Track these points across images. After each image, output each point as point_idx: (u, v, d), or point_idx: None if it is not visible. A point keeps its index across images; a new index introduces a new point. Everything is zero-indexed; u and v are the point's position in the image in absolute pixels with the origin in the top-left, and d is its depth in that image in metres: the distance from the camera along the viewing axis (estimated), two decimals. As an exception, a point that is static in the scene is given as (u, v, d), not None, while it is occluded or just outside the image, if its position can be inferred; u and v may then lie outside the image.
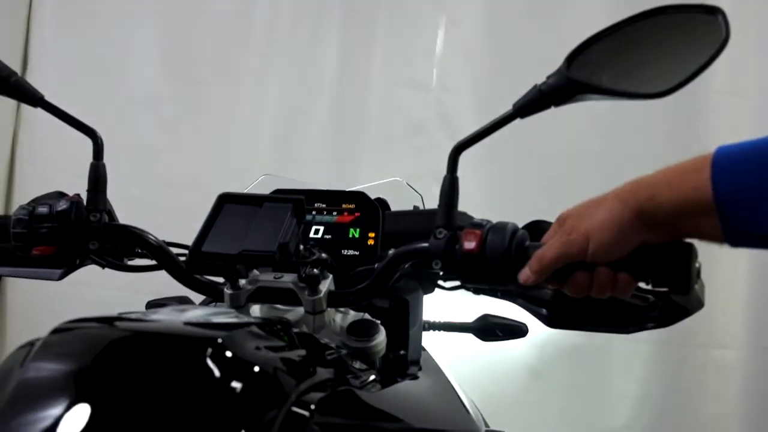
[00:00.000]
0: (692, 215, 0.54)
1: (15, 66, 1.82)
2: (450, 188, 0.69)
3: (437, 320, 1.01)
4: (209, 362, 0.44)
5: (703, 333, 1.70)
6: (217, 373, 0.44)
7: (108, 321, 0.49)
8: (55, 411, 0.42)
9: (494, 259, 0.64)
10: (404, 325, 0.86)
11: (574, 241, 0.59)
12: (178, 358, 0.45)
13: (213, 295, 0.79)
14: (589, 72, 0.60)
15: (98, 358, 0.45)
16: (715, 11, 0.56)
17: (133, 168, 1.82)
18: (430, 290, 0.97)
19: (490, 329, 1.01)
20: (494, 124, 0.68)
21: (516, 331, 1.01)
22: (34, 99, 0.76)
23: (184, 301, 0.93)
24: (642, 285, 0.64)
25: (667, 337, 1.72)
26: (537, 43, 1.75)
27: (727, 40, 0.55)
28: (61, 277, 0.83)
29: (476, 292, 0.75)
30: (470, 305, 1.08)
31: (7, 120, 1.85)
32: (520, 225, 0.68)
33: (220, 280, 0.80)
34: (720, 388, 1.72)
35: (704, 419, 1.73)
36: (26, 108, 1.89)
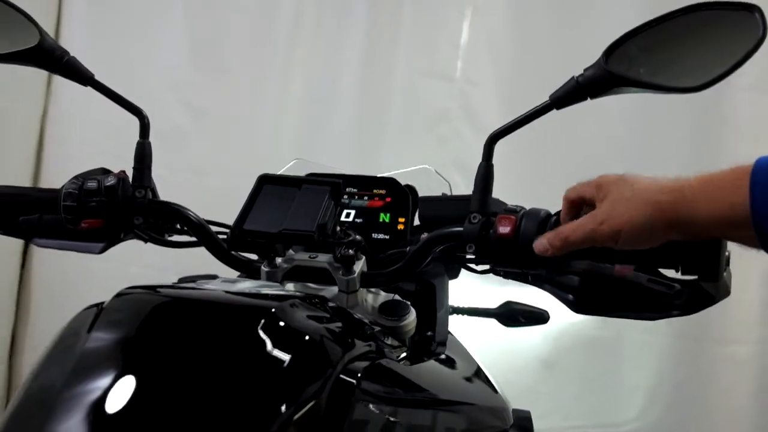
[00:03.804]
0: (729, 229, 0.55)
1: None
2: (485, 175, 0.72)
3: (461, 305, 1.04)
4: (263, 330, 0.47)
5: (717, 327, 1.71)
6: (270, 340, 0.47)
7: (167, 288, 0.52)
8: (121, 379, 0.44)
9: (527, 244, 0.66)
10: (432, 307, 0.89)
11: (605, 233, 0.60)
12: (235, 326, 0.48)
13: (249, 273, 0.82)
14: (627, 65, 0.62)
15: (161, 324, 0.48)
16: (752, 8, 0.58)
17: (159, 150, 1.84)
18: (455, 275, 1.00)
19: (512, 315, 1.04)
20: (530, 114, 0.70)
21: (538, 317, 1.03)
22: (85, 78, 0.79)
23: (213, 278, 0.96)
24: (667, 272, 0.66)
25: (681, 330, 1.74)
26: (562, 36, 1.76)
27: (764, 37, 0.57)
28: (102, 251, 0.86)
29: (506, 276, 0.77)
30: (492, 294, 1.11)
31: (37, 106, 1.88)
32: (552, 212, 0.70)
33: (254, 257, 0.83)
34: (732, 382, 1.73)
35: (716, 413, 1.74)
36: (56, 92, 1.95)
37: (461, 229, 0.71)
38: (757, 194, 0.51)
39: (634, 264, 0.71)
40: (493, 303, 1.06)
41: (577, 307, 0.78)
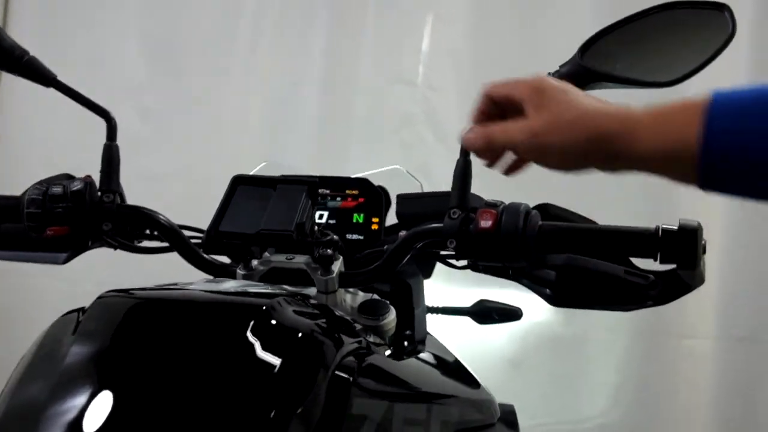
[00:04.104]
0: (671, 164, 0.51)
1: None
2: (463, 170, 0.72)
3: (435, 305, 1.04)
4: (256, 328, 0.46)
5: (676, 322, 1.76)
6: (264, 338, 0.45)
7: (150, 291, 0.50)
8: (110, 390, 0.42)
9: (509, 238, 0.66)
10: (408, 307, 0.89)
11: (534, 148, 0.56)
12: (226, 325, 0.46)
13: (224, 277, 0.80)
14: (602, 61, 0.64)
15: (147, 329, 0.47)
16: (722, 7, 0.60)
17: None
18: (428, 275, 1.00)
19: (486, 313, 1.05)
20: None
21: (511, 314, 1.05)
22: (47, 79, 0.76)
23: None
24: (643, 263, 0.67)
25: (642, 326, 1.78)
26: (522, 42, 1.79)
27: (733, 35, 0.59)
28: (65, 261, 0.83)
29: (485, 271, 0.77)
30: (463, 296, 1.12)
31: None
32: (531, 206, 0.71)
33: (227, 261, 0.81)
34: (692, 376, 1.78)
35: (678, 407, 1.79)
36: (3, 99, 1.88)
37: (441, 224, 0.71)
38: (714, 129, 0.48)
39: (612, 255, 0.72)
40: (467, 302, 1.06)
41: (555, 300, 0.79)
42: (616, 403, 1.82)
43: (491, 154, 0.60)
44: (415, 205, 0.82)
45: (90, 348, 0.45)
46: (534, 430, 1.82)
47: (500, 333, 1.85)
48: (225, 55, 1.89)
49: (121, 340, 0.46)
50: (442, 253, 0.79)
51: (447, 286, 1.13)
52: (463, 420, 0.69)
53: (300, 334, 0.48)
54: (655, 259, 0.64)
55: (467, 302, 1.07)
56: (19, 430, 0.41)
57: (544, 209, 0.74)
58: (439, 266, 0.92)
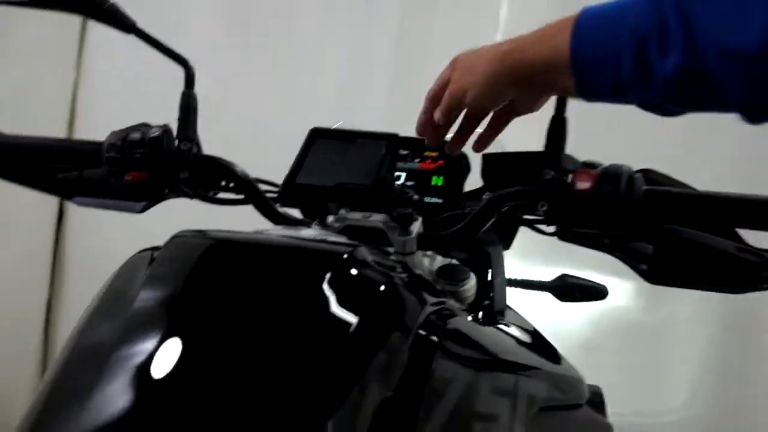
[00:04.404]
0: (552, 72, 0.56)
1: (75, 22, 1.83)
2: (558, 128, 0.67)
3: (513, 277, 0.99)
4: (335, 277, 0.42)
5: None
6: (344, 288, 0.42)
7: (226, 233, 0.47)
8: (180, 336, 0.40)
9: (609, 202, 0.60)
10: (486, 277, 0.84)
11: (453, 92, 0.65)
12: (304, 272, 0.43)
13: None
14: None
15: (222, 273, 0.44)
16: None
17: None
18: (507, 246, 0.95)
19: (568, 289, 0.98)
20: None
21: (596, 293, 0.98)
22: (127, 26, 0.75)
23: None
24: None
25: (728, 316, 1.66)
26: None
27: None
28: (142, 210, 0.82)
29: (574, 240, 0.71)
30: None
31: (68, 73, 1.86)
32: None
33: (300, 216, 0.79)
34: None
35: (763, 408, 1.67)
36: (87, 63, 1.92)
37: (532, 186, 0.66)
38: (576, 42, 0.53)
39: (720, 228, 0.65)
40: (547, 276, 1.00)
41: (651, 277, 0.72)
42: (697, 398, 1.72)
43: (445, 118, 0.68)
44: (503, 165, 0.76)
45: (161, 290, 0.43)
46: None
47: (573, 314, 1.77)
48: (297, 29, 1.86)
49: (194, 283, 0.43)
50: (529, 217, 0.74)
51: (520, 263, 1.07)
52: (550, 396, 0.64)
53: (382, 287, 0.44)
54: None
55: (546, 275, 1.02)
56: (85, 371, 0.39)
57: (645, 173, 0.68)
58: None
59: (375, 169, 0.69)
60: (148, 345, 0.40)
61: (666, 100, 0.51)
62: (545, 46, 0.56)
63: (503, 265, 0.89)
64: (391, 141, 0.72)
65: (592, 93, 0.55)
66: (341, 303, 0.41)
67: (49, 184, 0.83)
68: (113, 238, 1.82)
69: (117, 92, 1.86)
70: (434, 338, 0.45)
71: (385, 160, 0.70)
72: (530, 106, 0.66)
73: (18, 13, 1.64)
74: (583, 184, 0.61)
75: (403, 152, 0.91)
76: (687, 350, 1.73)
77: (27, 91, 1.68)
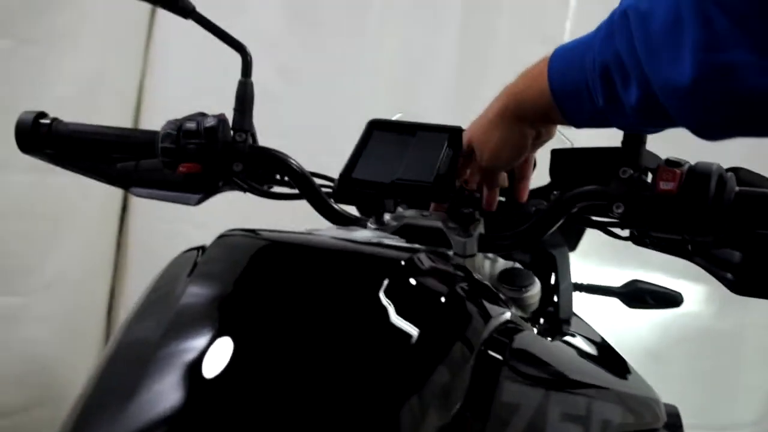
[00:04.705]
0: (545, 112, 0.61)
1: (143, 12, 1.86)
2: None
3: (580, 282, 0.93)
4: (393, 285, 0.38)
5: None
6: (402, 298, 0.38)
7: (275, 233, 0.44)
8: (226, 335, 0.38)
9: (696, 205, 0.54)
10: (555, 281, 0.79)
11: (469, 152, 0.68)
12: (358, 278, 0.39)
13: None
14: None
15: (271, 274, 0.41)
16: None
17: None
18: (573, 247, 0.89)
19: (639, 296, 0.92)
20: None
21: (670, 300, 0.91)
22: (186, 11, 0.74)
23: None
24: None
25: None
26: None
27: None
28: (198, 202, 0.81)
29: (652, 245, 0.65)
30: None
31: (138, 54, 1.88)
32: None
33: (356, 213, 0.76)
34: None
35: None
36: (155, 52, 1.95)
37: (606, 186, 0.60)
38: (553, 81, 0.58)
39: None
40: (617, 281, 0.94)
41: (737, 287, 0.65)
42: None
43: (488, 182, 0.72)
44: (574, 162, 0.71)
45: (208, 288, 0.41)
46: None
47: (640, 320, 1.69)
48: (360, 16, 1.83)
49: (242, 283, 0.40)
50: (601, 219, 0.68)
51: (583, 262, 1.02)
52: (625, 421, 0.59)
53: (443, 298, 0.40)
54: None
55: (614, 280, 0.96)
56: (130, 369, 0.38)
57: (735, 173, 0.61)
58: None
59: (435, 164, 0.65)
60: (193, 344, 0.38)
61: (641, 125, 0.55)
62: (532, 90, 0.61)
63: (569, 269, 0.83)
64: (453, 134, 0.68)
65: (579, 123, 0.60)
66: (398, 314, 0.37)
67: (107, 173, 0.83)
68: (176, 227, 1.85)
69: (183, 83, 1.88)
70: (499, 357, 0.40)
71: (447, 156, 0.66)
72: (544, 139, 0.69)
73: (89, 5, 1.68)
74: (667, 184, 0.55)
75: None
76: (762, 359, 1.62)
77: (96, 81, 1.72)
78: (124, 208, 1.92)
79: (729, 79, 0.43)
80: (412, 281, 0.39)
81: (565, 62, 0.58)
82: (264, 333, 0.38)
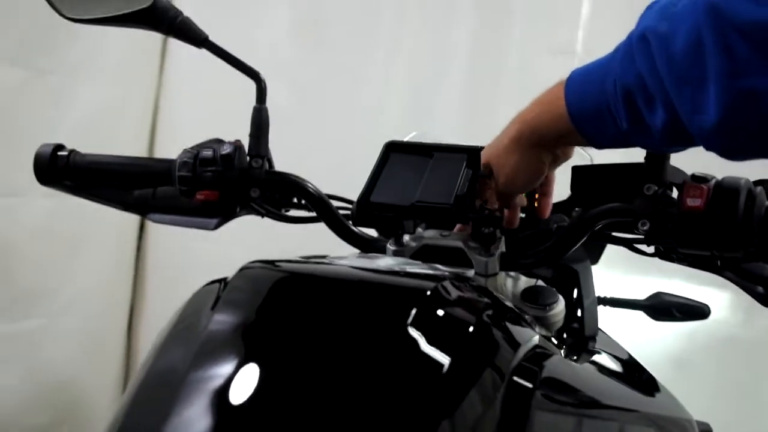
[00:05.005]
0: (564, 136, 0.61)
1: (156, 40, 1.87)
2: None
3: (604, 295, 0.92)
4: (419, 316, 0.38)
5: None
6: (429, 328, 0.37)
7: (297, 264, 0.44)
8: (251, 365, 0.38)
9: (725, 221, 0.53)
10: (578, 296, 0.77)
11: (486, 174, 0.67)
12: (383, 309, 0.39)
13: (372, 252, 0.74)
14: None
15: (294, 304, 0.41)
16: None
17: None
18: (595, 260, 0.88)
19: (665, 308, 0.90)
20: None
21: (696, 312, 0.90)
22: (198, 39, 0.74)
23: None
24: None
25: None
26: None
27: None
28: (216, 227, 0.81)
29: (679, 261, 0.64)
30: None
31: (152, 83, 1.91)
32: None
33: (374, 233, 0.75)
34: None
35: None
36: (168, 80, 1.97)
37: (631, 203, 0.59)
38: (571, 102, 0.58)
39: None
40: (642, 294, 0.93)
41: None
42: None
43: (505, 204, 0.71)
44: (595, 178, 0.70)
45: (232, 318, 0.41)
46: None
47: (665, 328, 1.66)
48: (370, 31, 1.83)
49: (265, 315, 0.40)
50: (625, 236, 0.67)
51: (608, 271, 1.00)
52: None
53: (471, 328, 0.39)
54: None
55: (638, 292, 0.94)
56: (159, 396, 0.38)
57: (764, 186, 0.59)
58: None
59: (455, 185, 0.64)
60: (220, 372, 0.39)
61: (666, 145, 0.55)
62: (548, 115, 0.61)
63: (593, 284, 0.82)
64: (472, 154, 0.67)
65: (601, 145, 0.60)
66: (426, 346, 0.37)
67: (125, 201, 0.83)
68: (192, 244, 1.86)
69: (197, 106, 1.89)
70: (530, 385, 0.39)
71: (466, 176, 0.65)
72: (562, 160, 0.69)
73: (103, 36, 1.70)
74: (695, 201, 0.54)
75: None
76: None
77: (112, 108, 1.74)
78: (142, 227, 1.94)
79: (754, 105, 0.43)
80: (439, 312, 0.39)
81: (584, 86, 0.58)
82: (289, 364, 0.38)
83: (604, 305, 0.92)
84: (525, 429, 0.38)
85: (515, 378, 0.39)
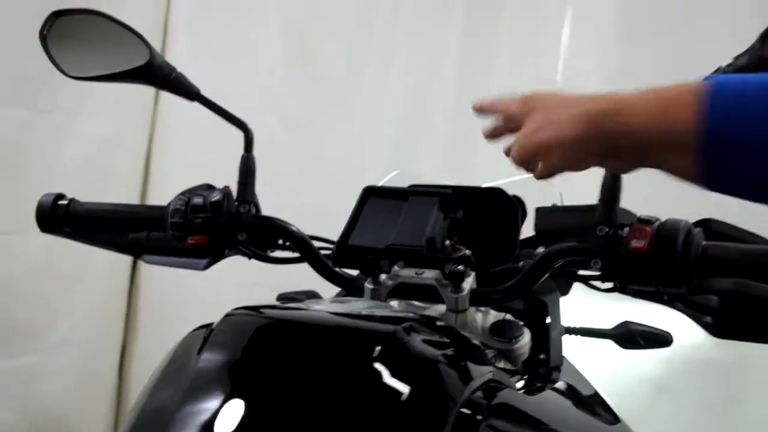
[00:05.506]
0: (666, 150, 0.48)
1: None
2: (612, 182, 0.65)
3: (573, 326, 0.97)
4: (382, 356, 0.43)
5: None
6: (389, 367, 0.43)
7: (277, 310, 0.49)
8: (235, 403, 0.43)
9: (666, 261, 0.59)
10: (542, 327, 0.83)
11: (530, 149, 0.55)
12: (350, 350, 0.44)
13: (351, 290, 0.79)
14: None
15: (271, 347, 0.46)
16: None
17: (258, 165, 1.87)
18: (565, 292, 0.93)
19: (631, 337, 0.95)
20: None
21: (660, 340, 0.94)
22: (191, 94, 0.80)
23: (313, 295, 0.94)
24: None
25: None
26: (672, 36, 1.64)
27: None
28: (205, 267, 0.86)
29: (634, 294, 0.70)
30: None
31: (146, 120, 1.97)
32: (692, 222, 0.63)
33: (354, 272, 0.80)
34: None
35: None
36: (162, 116, 2.03)
37: (585, 243, 0.65)
38: (714, 120, 0.44)
39: None
40: (609, 324, 0.98)
41: (717, 330, 0.70)
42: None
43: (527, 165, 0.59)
44: (556, 219, 0.76)
45: (217, 363, 0.46)
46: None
47: (642, 353, 1.70)
48: (361, 60, 1.90)
49: (247, 357, 0.46)
50: (584, 273, 0.73)
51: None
52: None
53: (426, 365, 0.45)
54: None
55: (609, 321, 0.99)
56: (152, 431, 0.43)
57: (706, 226, 0.65)
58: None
59: (425, 228, 0.69)
60: (207, 408, 0.43)
61: None
62: (660, 116, 0.47)
63: (560, 315, 0.87)
64: (443, 198, 0.73)
65: (721, 184, 0.47)
66: (384, 383, 0.42)
67: (120, 244, 0.89)
68: (184, 283, 1.90)
69: (190, 144, 1.95)
70: (478, 416, 0.45)
71: (437, 219, 0.71)
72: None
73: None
74: (638, 243, 0.60)
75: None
76: (765, 389, 1.63)
77: (108, 144, 1.80)
78: (134, 265, 1.98)
79: None
80: (399, 351, 0.44)
81: (741, 101, 0.44)
82: (268, 399, 0.43)
83: (575, 334, 0.97)
84: None
85: (464, 410, 0.44)
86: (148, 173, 2.01)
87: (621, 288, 0.70)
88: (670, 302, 0.71)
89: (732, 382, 1.65)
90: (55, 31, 0.75)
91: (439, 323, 0.58)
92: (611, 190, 0.65)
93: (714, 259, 0.59)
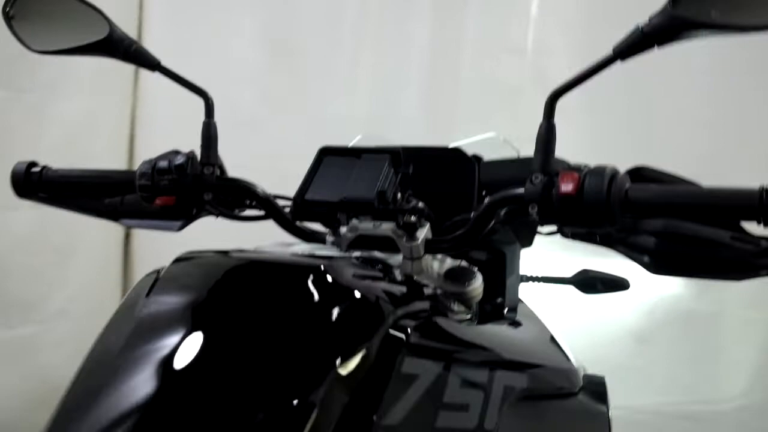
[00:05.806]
0: None
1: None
2: (546, 134, 0.69)
3: (536, 275, 1.01)
4: (312, 286, 0.48)
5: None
6: (319, 295, 0.47)
7: (222, 253, 0.54)
8: (177, 338, 0.47)
9: (592, 202, 0.63)
10: (502, 274, 0.87)
11: None
12: (285, 282, 0.49)
13: (315, 243, 0.83)
14: (697, 8, 0.58)
15: (214, 285, 0.51)
16: None
17: (235, 139, 1.91)
18: (528, 244, 0.97)
19: (590, 282, 1.00)
20: (592, 68, 0.66)
21: (618, 284, 0.99)
22: (152, 65, 0.83)
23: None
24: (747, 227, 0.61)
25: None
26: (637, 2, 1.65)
27: None
28: (180, 228, 0.90)
29: (573, 237, 0.74)
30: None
31: (126, 94, 2.00)
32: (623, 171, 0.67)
33: (323, 228, 0.84)
34: None
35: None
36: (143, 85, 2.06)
37: (522, 190, 0.69)
38: None
39: (716, 220, 0.66)
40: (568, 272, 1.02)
41: (653, 268, 0.74)
42: (759, 384, 1.67)
43: None
44: (498, 172, 0.80)
45: (161, 305, 0.51)
46: (667, 408, 1.72)
47: (625, 307, 1.76)
48: (334, 35, 1.93)
49: (189, 297, 0.50)
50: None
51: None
52: (533, 386, 0.68)
53: (356, 293, 0.50)
54: (759, 222, 0.57)
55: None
56: (99, 376, 0.47)
57: (638, 173, 0.69)
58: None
59: (377, 182, 0.73)
60: (150, 348, 0.48)
61: None
62: None
63: (518, 264, 0.91)
64: (394, 155, 0.76)
65: None
66: (314, 310, 0.47)
67: (97, 209, 0.93)
68: (176, 250, 1.95)
69: (171, 115, 1.98)
70: (402, 337, 0.49)
71: (388, 174, 0.75)
72: None
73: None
74: (567, 187, 0.64)
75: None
76: (744, 337, 1.68)
77: (89, 120, 1.83)
78: (128, 235, 2.03)
79: None
80: (329, 281, 0.49)
81: None
82: (209, 336, 0.47)
83: (537, 282, 1.02)
84: (393, 371, 0.47)
85: (391, 331, 0.49)
86: (132, 147, 2.04)
87: (561, 231, 0.74)
88: (609, 244, 0.75)
89: (709, 333, 1.70)
90: (19, 7, 0.78)
91: (388, 266, 0.63)
92: (546, 141, 0.69)
93: (636, 199, 0.62)
